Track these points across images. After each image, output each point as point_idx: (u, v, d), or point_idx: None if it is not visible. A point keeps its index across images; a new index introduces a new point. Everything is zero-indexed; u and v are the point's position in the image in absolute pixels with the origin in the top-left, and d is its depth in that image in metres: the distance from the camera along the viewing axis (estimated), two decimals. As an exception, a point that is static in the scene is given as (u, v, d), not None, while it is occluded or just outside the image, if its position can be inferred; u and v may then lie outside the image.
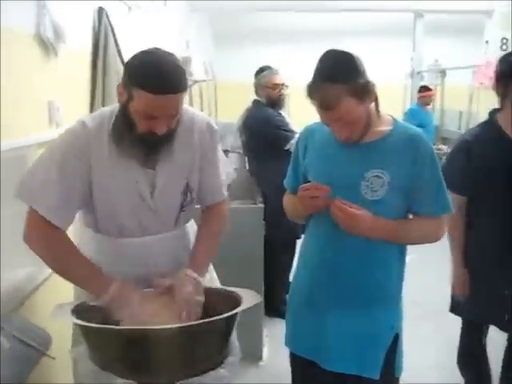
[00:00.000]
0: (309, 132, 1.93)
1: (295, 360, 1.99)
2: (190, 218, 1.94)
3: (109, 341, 1.46)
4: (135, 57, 1.59)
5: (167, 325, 1.50)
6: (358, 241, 1.75)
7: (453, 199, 2.13)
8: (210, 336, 1.50)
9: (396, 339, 1.83)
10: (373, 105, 1.75)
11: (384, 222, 1.74)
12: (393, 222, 1.76)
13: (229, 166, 2.02)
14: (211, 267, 2.01)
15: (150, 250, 1.78)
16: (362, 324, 1.79)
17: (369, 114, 1.72)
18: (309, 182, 1.87)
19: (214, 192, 1.89)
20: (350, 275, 1.79)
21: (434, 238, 1.85)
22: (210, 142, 1.84)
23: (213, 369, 1.55)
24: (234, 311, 1.52)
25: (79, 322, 1.47)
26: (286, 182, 2.03)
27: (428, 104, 7.74)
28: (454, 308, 2.62)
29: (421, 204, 1.78)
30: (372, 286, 1.79)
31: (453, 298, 2.61)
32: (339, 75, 1.62)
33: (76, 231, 1.91)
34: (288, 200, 2.00)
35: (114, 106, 1.74)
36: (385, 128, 1.78)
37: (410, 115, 7.48)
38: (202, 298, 1.65)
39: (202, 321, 1.53)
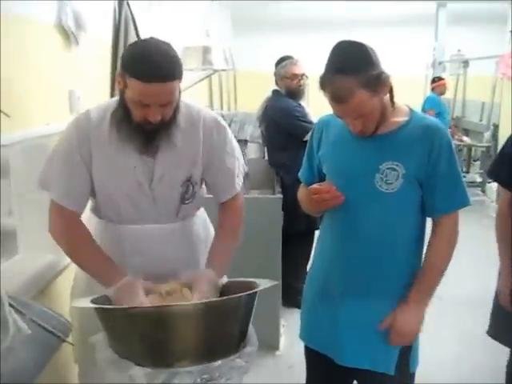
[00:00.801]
0: (323, 124, 1.90)
1: (310, 353, 2.00)
2: (196, 210, 1.94)
3: (129, 322, 1.47)
4: (130, 46, 1.66)
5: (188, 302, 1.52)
6: (372, 235, 1.74)
7: (504, 196, 2.15)
8: (232, 315, 1.51)
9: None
10: (387, 96, 1.71)
11: (418, 294, 1.76)
12: (421, 279, 1.77)
13: (241, 158, 1.98)
14: None
15: (150, 238, 1.79)
16: (374, 319, 1.78)
17: (383, 106, 1.68)
18: (323, 174, 1.86)
19: (227, 188, 1.89)
20: (363, 269, 1.77)
21: (456, 239, 1.79)
22: (218, 138, 1.83)
23: (236, 352, 1.55)
24: (255, 290, 1.54)
25: (102, 306, 1.51)
26: (301, 174, 2.01)
27: (443, 93, 7.81)
28: (496, 333, 2.29)
29: (436, 197, 1.73)
30: (386, 280, 1.77)
31: (495, 316, 2.29)
32: (351, 67, 1.58)
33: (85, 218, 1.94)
34: (302, 193, 1.98)
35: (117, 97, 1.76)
36: (401, 119, 1.74)
37: (430, 102, 7.55)
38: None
39: (224, 297, 1.55)
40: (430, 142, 1.69)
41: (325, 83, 1.63)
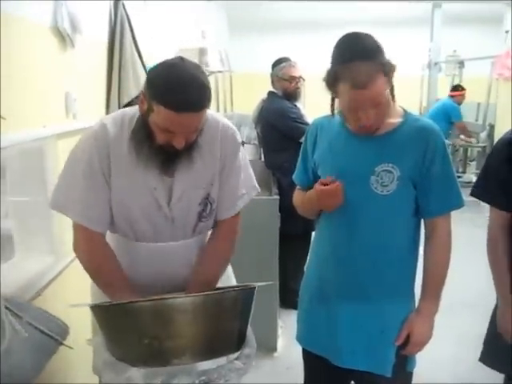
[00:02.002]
0: (317, 126, 1.89)
1: (307, 355, 1.99)
2: (211, 225, 1.87)
3: (125, 318, 1.46)
4: (158, 68, 1.54)
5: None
6: (368, 236, 1.74)
7: (493, 216, 1.94)
8: (230, 310, 1.50)
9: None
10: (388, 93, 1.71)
11: (427, 303, 1.80)
12: (426, 288, 1.79)
13: (252, 180, 1.91)
14: (229, 274, 2.00)
15: (165, 255, 1.76)
16: (371, 320, 1.78)
17: (388, 100, 1.68)
18: (318, 177, 1.84)
19: (229, 206, 1.83)
20: (359, 271, 1.77)
21: (450, 241, 1.79)
22: (231, 152, 1.79)
23: (235, 351, 1.55)
24: (253, 285, 1.54)
25: (97, 303, 1.52)
26: (296, 177, 1.99)
27: (460, 103, 7.78)
28: (491, 361, 2.06)
29: (430, 199, 1.72)
30: (382, 281, 1.77)
31: (489, 343, 2.08)
32: (370, 52, 1.59)
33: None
34: (298, 196, 1.98)
35: (135, 110, 1.70)
36: (395, 120, 1.74)
37: (457, 113, 7.58)
38: None
39: (222, 290, 1.55)
40: (424, 143, 1.69)
41: (341, 72, 1.60)
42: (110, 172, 1.66)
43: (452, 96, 7.67)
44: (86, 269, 1.72)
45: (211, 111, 1.74)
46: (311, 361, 1.98)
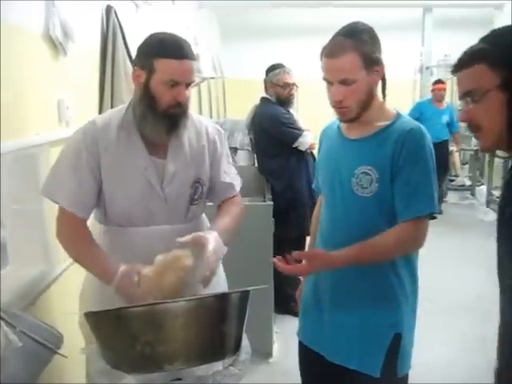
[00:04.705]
0: (322, 134, 1.99)
1: (303, 350, 2.01)
2: (201, 213, 1.98)
3: (119, 325, 1.45)
4: (148, 38, 1.74)
5: (178, 298, 1.51)
6: (354, 238, 1.72)
7: None
8: (224, 313, 1.49)
9: (398, 339, 1.78)
10: (380, 95, 1.77)
11: (342, 252, 1.69)
12: (354, 247, 1.69)
13: (234, 171, 2.05)
14: (221, 267, 2.01)
15: (160, 239, 1.78)
16: (360, 321, 1.79)
17: (371, 93, 1.73)
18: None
19: (227, 187, 1.97)
20: (347, 274, 1.76)
21: (412, 246, 1.75)
22: (220, 143, 1.96)
23: (230, 356, 1.55)
24: (247, 289, 1.54)
25: (91, 310, 1.51)
26: (315, 186, 2.06)
27: (439, 99, 7.25)
28: None
29: (397, 202, 1.70)
30: (370, 282, 1.78)
31: None
32: (352, 32, 1.71)
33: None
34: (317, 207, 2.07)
35: (122, 106, 1.87)
36: (381, 123, 1.75)
37: (414, 109, 7.25)
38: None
39: (216, 293, 1.58)
40: (400, 146, 1.68)
41: (325, 46, 1.73)
42: (100, 164, 1.76)
43: (432, 91, 7.32)
44: (70, 254, 1.80)
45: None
46: (306, 355, 2.00)
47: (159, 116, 1.71)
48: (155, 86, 1.69)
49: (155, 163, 1.78)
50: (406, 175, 1.68)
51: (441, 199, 6.69)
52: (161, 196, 1.79)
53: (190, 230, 1.83)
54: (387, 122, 1.75)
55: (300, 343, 2.03)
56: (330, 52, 1.70)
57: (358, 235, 1.71)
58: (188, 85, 1.72)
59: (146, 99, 1.72)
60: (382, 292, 1.79)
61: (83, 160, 1.74)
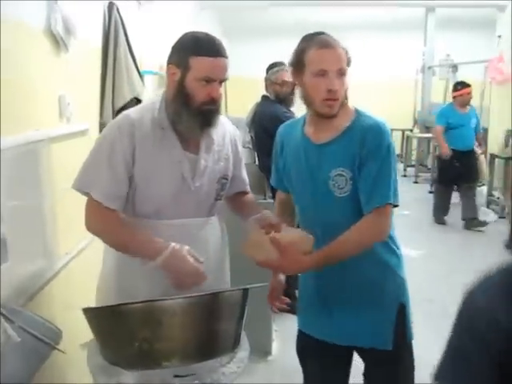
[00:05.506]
0: (282, 136, 2.01)
1: (304, 341, 2.03)
2: (220, 210, 2.01)
3: (118, 322, 1.46)
4: (183, 36, 1.80)
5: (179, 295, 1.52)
6: (336, 237, 1.76)
7: None
8: (223, 311, 1.51)
9: (403, 308, 1.88)
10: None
11: (313, 256, 1.75)
12: (323, 249, 1.75)
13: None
14: (227, 263, 2.05)
15: (187, 232, 1.83)
16: (367, 301, 1.86)
17: (345, 94, 1.79)
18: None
19: (244, 183, 2.09)
20: (349, 263, 1.79)
21: (376, 235, 1.80)
22: (238, 143, 2.05)
23: (228, 353, 1.56)
24: (245, 287, 1.56)
25: (89, 307, 1.51)
26: (275, 183, 2.11)
27: (466, 104, 6.36)
28: None
29: (361, 195, 1.76)
30: (362, 277, 1.85)
31: None
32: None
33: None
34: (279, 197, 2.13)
35: (154, 98, 1.90)
36: (346, 123, 1.81)
37: (439, 118, 6.52)
38: None
39: (214, 291, 1.57)
40: (362, 141, 1.75)
41: (309, 41, 1.78)
42: (135, 157, 1.77)
43: (454, 98, 6.46)
44: (107, 241, 1.81)
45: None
46: (307, 341, 2.02)
47: (194, 113, 1.75)
48: (190, 83, 1.74)
49: (188, 158, 1.82)
50: (366, 170, 1.75)
51: (475, 212, 6.28)
52: (192, 189, 1.83)
53: (212, 224, 1.93)
54: (349, 121, 1.81)
55: (300, 335, 2.05)
56: (327, 42, 1.74)
57: (336, 234, 1.75)
58: (221, 82, 1.77)
59: (181, 96, 1.76)
60: (380, 268, 1.86)
61: (118, 152, 1.76)
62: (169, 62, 1.78)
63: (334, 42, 1.76)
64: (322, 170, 1.81)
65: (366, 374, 1.99)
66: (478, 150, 6.53)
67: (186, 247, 1.68)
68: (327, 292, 1.91)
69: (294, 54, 1.82)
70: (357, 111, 1.84)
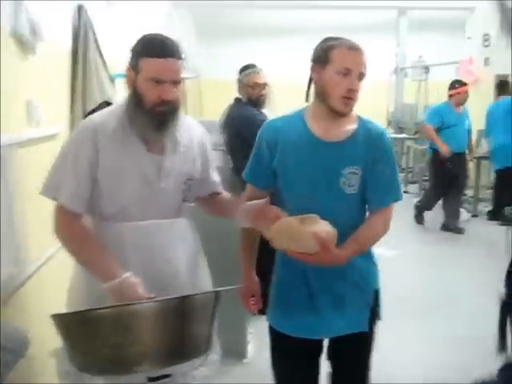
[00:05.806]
0: (274, 131, 1.93)
1: (280, 339, 2.00)
2: (187, 211, 2.00)
3: (87, 328, 1.44)
4: (139, 39, 1.80)
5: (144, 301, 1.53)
6: (340, 232, 1.77)
7: None
8: (191, 316, 1.50)
9: (377, 293, 1.98)
10: None
11: (346, 251, 1.78)
12: (350, 243, 1.80)
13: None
14: (202, 264, 2.06)
15: (153, 233, 1.85)
16: (353, 292, 1.92)
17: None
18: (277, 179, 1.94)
19: (216, 184, 2.09)
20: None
21: (387, 230, 1.91)
22: (207, 145, 2.05)
23: (199, 356, 1.54)
24: (218, 289, 1.57)
25: (58, 313, 1.49)
26: (251, 178, 2.03)
27: (461, 103, 6.11)
28: None
29: (374, 194, 1.88)
30: (356, 274, 1.91)
31: None
32: None
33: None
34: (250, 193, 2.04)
35: (121, 101, 1.90)
36: (353, 126, 1.88)
37: (432, 116, 6.19)
38: None
39: (182, 296, 1.55)
40: (372, 144, 1.86)
41: (336, 41, 1.81)
42: (98, 160, 1.78)
43: (450, 96, 6.11)
44: (69, 250, 1.79)
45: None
46: (283, 340, 1.99)
47: (147, 114, 1.76)
48: (141, 85, 1.75)
49: (152, 159, 1.82)
50: (378, 172, 1.86)
51: (456, 216, 6.17)
52: (157, 191, 1.83)
53: (178, 226, 1.93)
54: (355, 123, 1.89)
55: (274, 333, 2.02)
56: (354, 45, 1.81)
57: (343, 228, 1.78)
58: (175, 83, 1.75)
59: (134, 97, 1.77)
60: (365, 258, 1.93)
61: (82, 156, 1.77)
62: (128, 65, 1.80)
63: (359, 46, 1.83)
64: (333, 166, 1.84)
65: (333, 358, 2.03)
66: (468, 157, 6.34)
67: (139, 280, 1.66)
68: (314, 287, 1.91)
69: (320, 49, 1.84)
70: (358, 115, 1.92)
